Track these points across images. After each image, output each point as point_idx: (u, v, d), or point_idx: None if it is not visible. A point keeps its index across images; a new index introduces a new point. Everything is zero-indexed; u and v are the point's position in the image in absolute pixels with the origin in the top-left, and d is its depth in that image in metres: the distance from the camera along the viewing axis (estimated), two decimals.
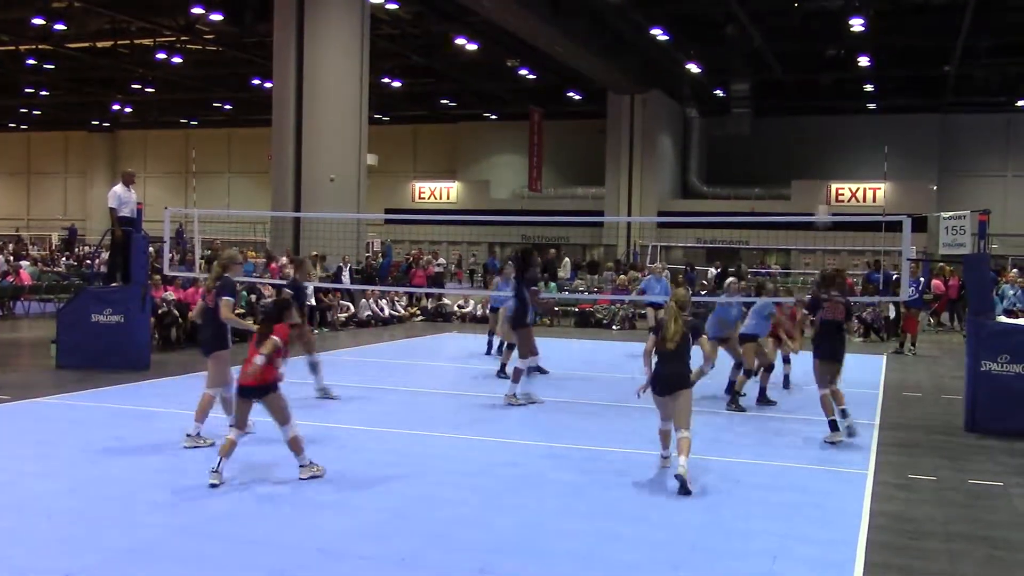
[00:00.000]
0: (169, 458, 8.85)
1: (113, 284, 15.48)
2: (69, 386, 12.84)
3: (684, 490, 7.95)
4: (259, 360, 7.76)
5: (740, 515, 7.46)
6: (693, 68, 38.34)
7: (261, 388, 7.93)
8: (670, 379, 8.40)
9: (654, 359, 8.53)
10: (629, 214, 43.72)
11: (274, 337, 7.90)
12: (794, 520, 7.41)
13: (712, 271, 30.30)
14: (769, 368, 12.68)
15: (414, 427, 10.60)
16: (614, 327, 24.17)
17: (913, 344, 19.74)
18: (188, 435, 9.29)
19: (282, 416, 8.04)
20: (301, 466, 8.09)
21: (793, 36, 33.80)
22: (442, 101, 49.31)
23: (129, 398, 12.09)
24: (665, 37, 33.63)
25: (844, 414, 10.41)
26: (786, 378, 14.12)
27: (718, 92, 44.32)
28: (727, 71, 40.50)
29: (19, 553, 6.18)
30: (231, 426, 8.12)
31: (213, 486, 7.72)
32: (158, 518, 6.98)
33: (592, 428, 10.87)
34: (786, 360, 14.17)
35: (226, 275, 9.69)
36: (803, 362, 12.71)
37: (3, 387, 12.59)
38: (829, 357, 10.43)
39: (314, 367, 12.33)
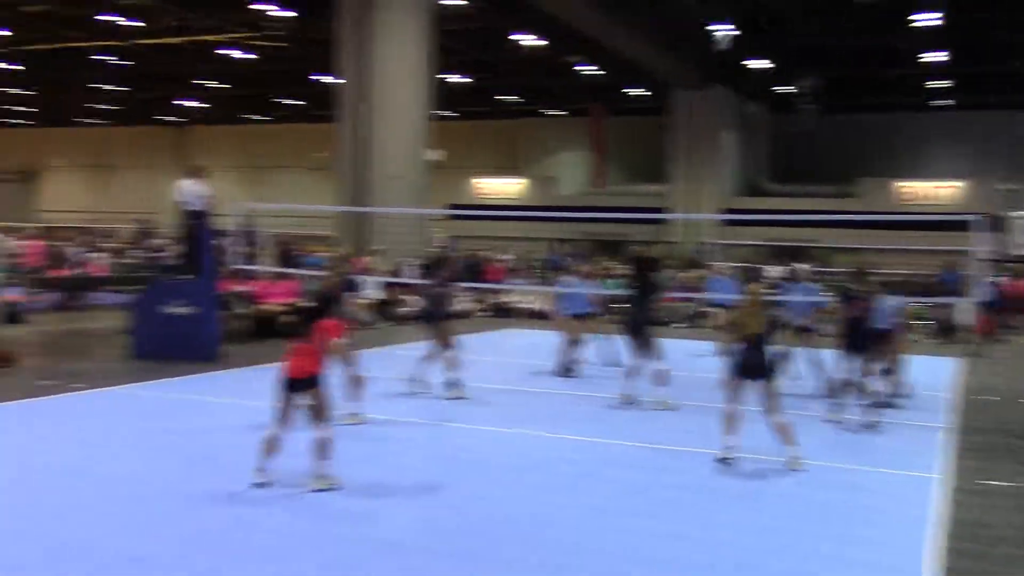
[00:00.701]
0: (234, 448, 8.95)
1: (183, 277, 15.77)
2: (140, 376, 13.12)
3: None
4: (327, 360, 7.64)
5: (805, 517, 7.35)
6: (759, 64, 37.86)
7: (308, 380, 7.51)
8: (753, 368, 8.78)
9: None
10: (692, 211, 43.34)
11: (338, 339, 7.74)
12: (859, 524, 7.27)
13: (776, 270, 29.87)
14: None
15: (477, 423, 10.63)
16: (678, 325, 23.96)
17: (988, 346, 19.28)
18: (352, 414, 10.01)
19: (323, 412, 7.57)
20: (318, 475, 7.49)
21: (862, 30, 33.17)
22: (505, 97, 49.37)
23: (197, 389, 12.30)
24: (730, 32, 33.24)
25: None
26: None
27: (784, 88, 43.73)
28: (793, 66, 39.92)
29: (89, 536, 6.33)
30: (276, 420, 7.59)
31: (259, 486, 7.48)
32: (221, 507, 7.08)
33: (656, 426, 10.78)
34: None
35: (346, 268, 10.77)
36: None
37: (79, 376, 12.91)
38: (857, 350, 11.00)
39: (450, 363, 12.33)
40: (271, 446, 7.54)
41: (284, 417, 7.55)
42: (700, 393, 12.92)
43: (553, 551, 6.35)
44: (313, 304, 8.06)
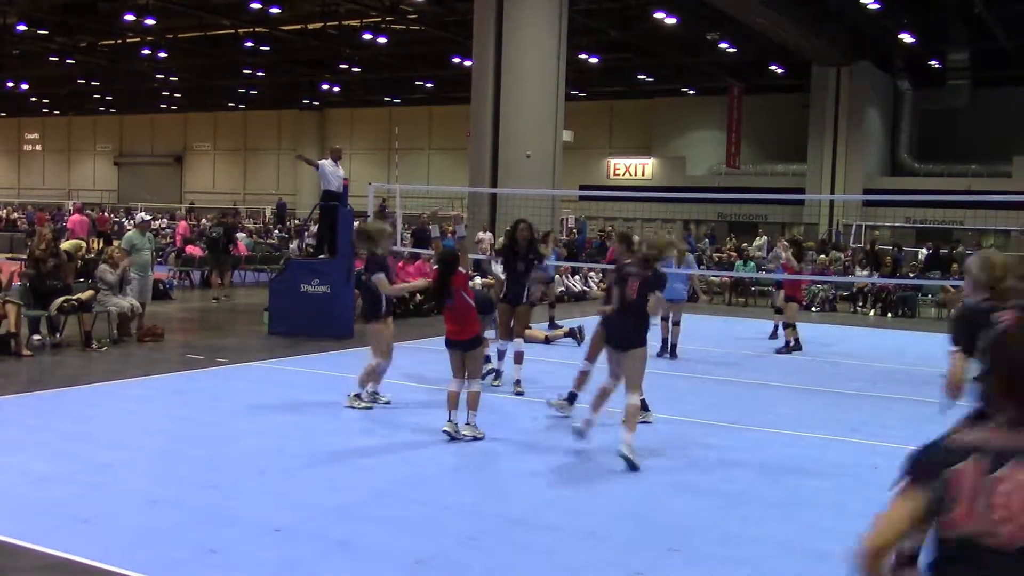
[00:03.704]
0: (369, 422, 9.20)
1: (320, 256, 16.21)
2: (279, 352, 13.58)
3: None
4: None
5: None
6: (906, 38, 36.34)
7: (464, 341, 8.47)
8: None
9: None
10: (832, 192, 42.02)
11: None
12: None
13: (923, 252, 28.75)
14: None
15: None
16: (814, 309, 23.32)
17: None
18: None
19: (477, 369, 8.67)
20: (467, 423, 8.48)
21: None
22: (639, 76, 48.80)
23: (333, 365, 12.64)
24: (875, 5, 31.98)
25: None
26: None
27: (933, 63, 41.84)
28: (944, 40, 38.14)
29: (234, 505, 6.57)
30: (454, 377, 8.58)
31: (451, 437, 8.35)
32: (359, 479, 7.26)
33: (783, 411, 10.53)
34: None
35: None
36: None
37: (223, 351, 13.47)
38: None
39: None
40: (454, 400, 8.47)
41: (457, 373, 8.58)
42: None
43: (681, 535, 6.29)
44: (439, 271, 8.66)
